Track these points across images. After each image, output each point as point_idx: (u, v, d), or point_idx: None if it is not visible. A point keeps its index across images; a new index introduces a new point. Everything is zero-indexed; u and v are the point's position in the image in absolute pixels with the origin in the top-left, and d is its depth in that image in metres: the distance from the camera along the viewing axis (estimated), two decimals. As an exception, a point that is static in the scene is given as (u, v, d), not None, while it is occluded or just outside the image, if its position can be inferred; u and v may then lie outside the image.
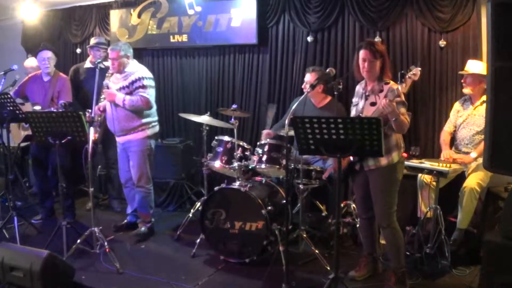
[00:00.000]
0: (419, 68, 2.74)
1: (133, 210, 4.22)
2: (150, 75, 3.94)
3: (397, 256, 3.00)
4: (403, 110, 2.89)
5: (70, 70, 4.87)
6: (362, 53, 2.93)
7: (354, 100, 3.14)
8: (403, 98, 2.89)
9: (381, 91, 2.82)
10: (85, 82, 4.73)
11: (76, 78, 4.77)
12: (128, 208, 4.28)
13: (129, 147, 3.95)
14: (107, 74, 3.88)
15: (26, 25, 5.95)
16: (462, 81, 3.69)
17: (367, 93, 3.00)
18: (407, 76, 2.71)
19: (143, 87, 3.80)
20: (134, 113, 3.84)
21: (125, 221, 4.27)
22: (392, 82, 2.86)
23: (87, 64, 4.85)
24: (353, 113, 3.09)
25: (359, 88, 3.13)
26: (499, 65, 1.91)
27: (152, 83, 3.91)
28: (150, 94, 3.83)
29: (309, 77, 4.02)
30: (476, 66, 3.57)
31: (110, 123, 3.97)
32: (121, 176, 4.17)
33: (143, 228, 4.06)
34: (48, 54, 4.37)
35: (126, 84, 3.81)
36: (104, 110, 3.95)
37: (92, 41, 4.86)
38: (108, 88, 3.91)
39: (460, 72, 3.70)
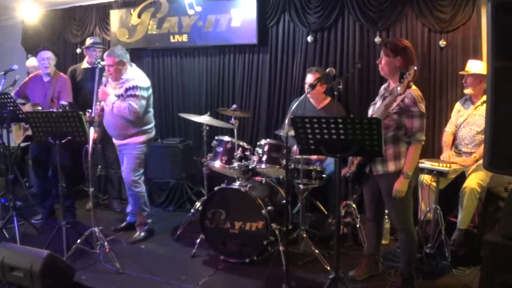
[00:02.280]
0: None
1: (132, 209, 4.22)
2: (147, 84, 3.87)
3: (407, 260, 2.98)
4: (416, 123, 2.74)
5: (67, 71, 4.86)
6: None
7: (376, 99, 3.07)
8: (420, 106, 2.74)
9: (400, 94, 2.68)
10: (82, 83, 4.73)
11: (73, 79, 4.76)
12: (128, 206, 4.27)
13: (124, 150, 3.97)
14: (104, 74, 3.87)
15: (26, 25, 5.95)
16: (463, 81, 3.68)
17: (385, 94, 2.93)
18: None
19: (135, 96, 3.74)
20: (129, 122, 3.82)
21: (125, 223, 4.27)
22: (414, 87, 2.75)
23: (84, 65, 4.85)
24: (369, 112, 3.03)
25: (382, 88, 3.08)
26: (499, 65, 1.90)
27: (145, 93, 3.82)
28: (140, 104, 3.77)
29: (311, 78, 4.01)
30: (476, 66, 3.57)
31: (107, 127, 3.98)
32: (123, 175, 4.16)
33: (142, 234, 4.05)
34: (47, 54, 4.37)
35: (121, 92, 3.79)
36: (103, 110, 3.94)
37: (88, 41, 4.87)
38: (105, 85, 3.86)
39: (461, 73, 3.69)
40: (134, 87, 3.76)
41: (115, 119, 3.83)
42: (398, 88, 2.62)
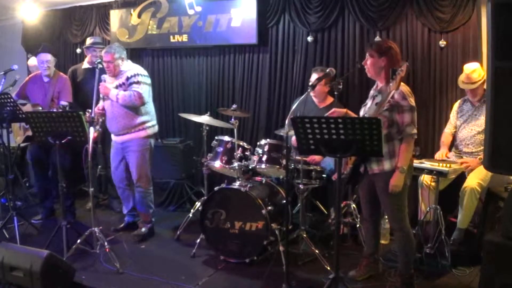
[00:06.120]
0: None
1: (129, 210, 4.22)
2: (145, 72, 3.96)
3: (405, 261, 2.98)
4: (407, 117, 2.77)
5: (68, 71, 4.87)
6: None
7: (367, 101, 3.10)
8: (410, 100, 2.76)
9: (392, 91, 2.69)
10: (83, 83, 4.73)
11: (74, 79, 4.76)
12: (124, 208, 4.27)
13: (128, 147, 3.93)
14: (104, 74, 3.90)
15: (26, 25, 5.95)
16: (468, 91, 3.61)
17: (375, 94, 2.97)
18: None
19: (137, 82, 3.81)
20: (132, 111, 3.84)
21: (123, 223, 4.26)
22: (402, 83, 2.74)
23: (85, 65, 4.84)
24: (361, 113, 3.06)
25: (372, 89, 3.11)
26: (499, 65, 1.90)
27: (147, 80, 3.92)
28: (144, 90, 3.83)
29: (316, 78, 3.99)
30: (474, 73, 3.54)
31: (109, 123, 3.96)
32: (115, 177, 4.12)
33: (143, 229, 4.06)
34: (47, 57, 4.35)
35: (122, 81, 3.82)
36: (104, 109, 3.95)
37: (88, 41, 4.86)
38: (105, 81, 3.89)
39: (463, 86, 3.63)
40: (136, 75, 3.84)
41: (119, 110, 3.83)
42: (391, 85, 2.63)
